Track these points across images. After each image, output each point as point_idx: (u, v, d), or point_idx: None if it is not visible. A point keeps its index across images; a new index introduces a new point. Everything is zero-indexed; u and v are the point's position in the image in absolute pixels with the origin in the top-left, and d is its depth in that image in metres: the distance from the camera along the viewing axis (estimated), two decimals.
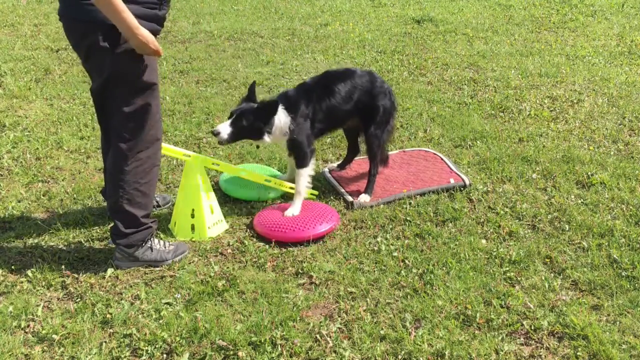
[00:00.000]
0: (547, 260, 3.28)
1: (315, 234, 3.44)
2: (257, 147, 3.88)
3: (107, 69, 2.88)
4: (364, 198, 3.91)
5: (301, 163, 3.68)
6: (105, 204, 3.56)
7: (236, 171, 3.86)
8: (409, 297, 2.97)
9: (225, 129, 3.50)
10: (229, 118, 3.58)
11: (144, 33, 2.77)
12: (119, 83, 2.93)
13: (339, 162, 4.38)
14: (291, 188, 3.92)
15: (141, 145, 3.04)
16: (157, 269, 3.22)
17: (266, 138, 3.59)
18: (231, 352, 2.60)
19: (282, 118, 3.60)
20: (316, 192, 4.01)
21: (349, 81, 3.82)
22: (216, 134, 3.50)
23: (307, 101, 3.70)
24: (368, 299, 2.96)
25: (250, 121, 3.52)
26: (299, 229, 3.44)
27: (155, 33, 2.98)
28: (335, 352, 2.61)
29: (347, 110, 3.83)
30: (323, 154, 4.69)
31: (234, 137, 3.54)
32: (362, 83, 3.85)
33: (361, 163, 4.36)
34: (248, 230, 3.62)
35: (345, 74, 3.87)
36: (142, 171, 3.07)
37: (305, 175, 3.70)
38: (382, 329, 2.74)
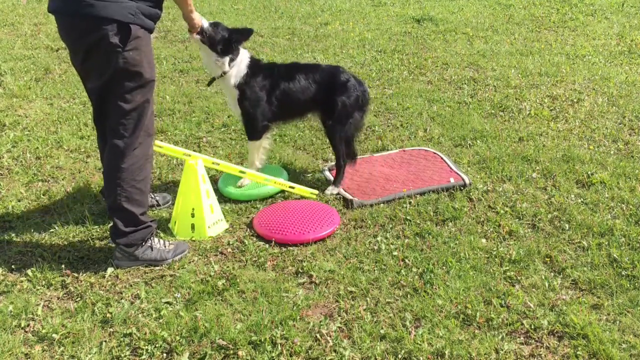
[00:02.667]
0: (547, 259, 3.28)
1: (315, 237, 3.44)
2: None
3: (112, 67, 2.89)
4: (331, 190, 4.01)
5: (251, 134, 3.84)
6: (105, 203, 3.57)
7: (236, 171, 3.86)
8: (408, 296, 2.97)
9: (204, 22, 3.64)
10: None
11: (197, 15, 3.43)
12: (123, 80, 2.94)
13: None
14: (291, 187, 3.93)
15: (136, 142, 3.06)
16: (157, 268, 3.22)
17: (226, 62, 3.74)
18: (231, 352, 2.60)
19: (243, 61, 3.81)
20: (316, 192, 4.01)
21: (310, 75, 3.94)
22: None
23: (269, 75, 3.88)
24: (368, 298, 2.96)
25: (224, 32, 3.71)
26: (300, 232, 3.44)
27: (152, 30, 3.01)
28: (335, 351, 2.61)
29: (304, 101, 3.94)
30: (323, 153, 4.69)
31: (206, 35, 3.66)
32: (323, 79, 3.95)
33: (361, 162, 4.36)
34: (248, 229, 3.62)
35: (309, 68, 4.03)
36: (137, 168, 3.08)
37: (256, 148, 3.83)
38: (382, 328, 2.74)
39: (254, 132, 3.87)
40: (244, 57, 3.83)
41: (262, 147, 3.91)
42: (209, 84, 4.08)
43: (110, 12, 2.79)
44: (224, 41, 3.71)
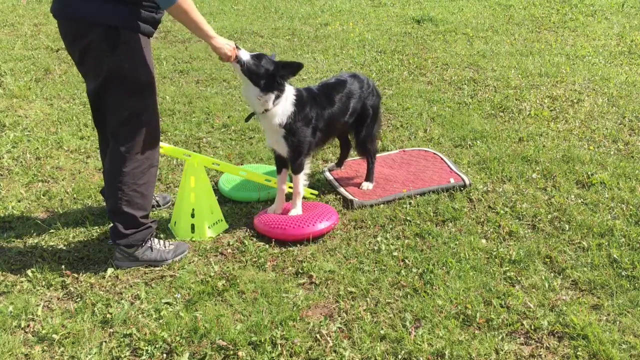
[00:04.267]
0: (547, 260, 3.28)
1: (315, 232, 3.44)
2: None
3: (105, 70, 2.88)
4: (367, 185, 4.05)
5: (296, 169, 3.65)
6: (105, 203, 3.57)
7: (236, 171, 3.86)
8: (409, 296, 2.97)
9: (245, 53, 3.26)
10: None
11: (219, 42, 3.05)
12: (116, 84, 2.92)
13: (336, 162, 4.39)
14: (290, 187, 3.92)
15: (139, 147, 3.04)
16: (157, 268, 3.22)
17: (270, 100, 3.34)
18: (231, 352, 2.60)
19: (289, 98, 3.45)
20: (316, 192, 4.01)
21: (343, 91, 3.81)
22: (238, 47, 3.23)
23: (312, 106, 3.61)
24: (368, 299, 2.96)
25: (269, 66, 3.31)
26: (299, 227, 3.44)
27: (149, 35, 3.00)
28: (335, 351, 2.61)
29: (345, 121, 3.88)
30: (323, 153, 4.69)
31: (246, 67, 3.26)
32: (353, 90, 3.86)
33: (361, 163, 4.35)
34: (248, 230, 3.62)
35: (339, 84, 3.85)
36: (140, 172, 3.07)
37: (302, 177, 3.69)
38: (382, 328, 2.74)
39: (300, 166, 3.62)
40: (289, 93, 3.46)
41: (305, 172, 3.73)
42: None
43: (100, 16, 2.78)
44: (268, 76, 3.31)
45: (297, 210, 3.63)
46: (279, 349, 2.60)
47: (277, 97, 3.38)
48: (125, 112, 2.97)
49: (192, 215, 3.50)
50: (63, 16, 2.89)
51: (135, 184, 3.06)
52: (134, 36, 2.89)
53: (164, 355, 2.61)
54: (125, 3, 2.82)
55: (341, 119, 3.82)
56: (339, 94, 3.78)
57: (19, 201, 3.92)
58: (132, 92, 2.96)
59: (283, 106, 3.43)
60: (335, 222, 3.58)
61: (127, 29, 2.85)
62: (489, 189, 4.04)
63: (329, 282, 3.10)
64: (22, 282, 3.09)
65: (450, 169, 4.25)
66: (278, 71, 3.33)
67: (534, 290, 3.02)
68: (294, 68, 3.38)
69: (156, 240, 3.28)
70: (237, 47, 3.22)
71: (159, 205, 3.85)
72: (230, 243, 3.47)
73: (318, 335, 2.69)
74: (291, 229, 3.44)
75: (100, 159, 3.60)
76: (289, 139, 3.52)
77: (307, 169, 3.73)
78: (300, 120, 3.53)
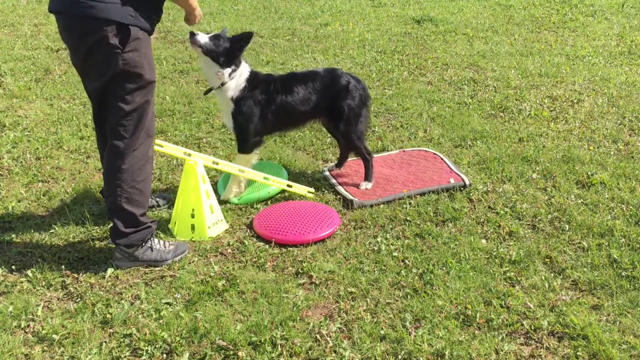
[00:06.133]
0: (547, 260, 3.28)
1: (315, 238, 3.44)
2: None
3: (112, 68, 2.89)
4: (366, 185, 4.06)
5: (241, 147, 3.81)
6: (105, 204, 3.57)
7: (236, 170, 3.86)
8: (409, 297, 2.97)
9: (203, 36, 3.61)
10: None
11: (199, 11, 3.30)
12: (123, 81, 2.95)
13: (336, 162, 4.39)
14: (289, 186, 3.93)
15: (136, 143, 3.06)
16: (157, 268, 3.22)
17: (226, 73, 3.66)
18: (231, 352, 2.60)
19: (243, 74, 3.75)
20: (313, 190, 4.00)
21: (310, 84, 3.90)
22: (195, 33, 3.59)
23: (265, 90, 3.81)
24: (368, 299, 2.96)
25: (225, 43, 3.64)
26: (300, 233, 3.44)
27: (150, 32, 3.02)
28: (335, 352, 2.61)
29: (306, 112, 3.93)
30: (323, 154, 4.69)
31: (206, 48, 3.61)
32: (323, 86, 3.92)
33: (361, 163, 4.35)
34: (248, 230, 3.62)
35: (307, 76, 3.96)
36: (137, 169, 3.09)
37: (245, 161, 3.80)
38: (382, 328, 2.74)
39: (245, 146, 3.83)
40: (244, 70, 3.78)
41: (250, 162, 3.88)
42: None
43: (110, 13, 2.81)
44: (226, 52, 3.64)
45: (227, 194, 3.86)
46: (279, 349, 2.60)
47: (233, 71, 3.71)
48: (127, 109, 2.99)
49: (192, 215, 3.50)
50: (68, 13, 2.89)
51: (134, 181, 3.08)
52: (141, 33, 2.93)
53: (164, 355, 2.61)
54: (128, 1, 2.85)
55: (299, 108, 3.88)
56: (301, 85, 3.87)
57: (19, 201, 3.92)
58: (136, 88, 2.99)
59: (237, 80, 3.74)
60: (337, 227, 3.57)
61: (136, 26, 2.89)
62: (489, 189, 4.04)
63: (329, 282, 3.10)
64: (22, 282, 3.09)
65: (450, 169, 4.25)
66: (235, 45, 3.67)
67: (534, 290, 3.02)
68: (246, 38, 3.69)
69: (156, 240, 3.28)
70: (194, 33, 3.59)
71: (159, 205, 3.85)
72: (230, 243, 3.47)
73: (318, 336, 2.70)
74: (292, 236, 3.44)
75: (100, 159, 3.61)
76: (236, 116, 3.78)
77: (255, 158, 3.89)
78: (250, 98, 3.76)
